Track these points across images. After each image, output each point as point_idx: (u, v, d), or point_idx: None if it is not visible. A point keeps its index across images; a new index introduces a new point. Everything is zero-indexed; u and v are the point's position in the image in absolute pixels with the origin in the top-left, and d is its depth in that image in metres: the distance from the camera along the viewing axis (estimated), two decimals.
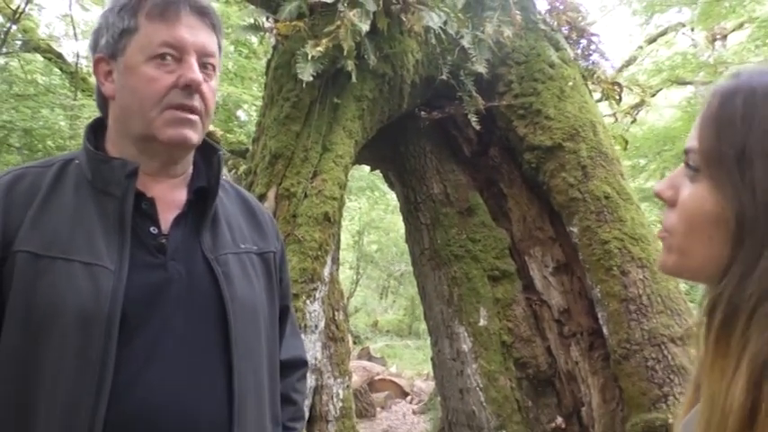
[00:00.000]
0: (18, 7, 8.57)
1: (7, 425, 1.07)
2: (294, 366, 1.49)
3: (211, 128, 9.00)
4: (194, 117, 1.21)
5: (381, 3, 3.50)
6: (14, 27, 8.63)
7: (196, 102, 1.21)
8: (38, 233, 1.12)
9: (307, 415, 3.47)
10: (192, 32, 1.21)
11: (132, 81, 1.20)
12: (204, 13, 1.24)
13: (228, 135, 8.93)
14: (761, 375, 0.62)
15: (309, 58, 3.32)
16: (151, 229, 1.21)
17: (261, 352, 1.28)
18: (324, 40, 3.32)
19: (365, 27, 3.38)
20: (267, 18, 3.85)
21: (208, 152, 1.33)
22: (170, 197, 1.26)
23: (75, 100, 8.75)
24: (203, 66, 1.23)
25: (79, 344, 1.07)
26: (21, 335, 1.07)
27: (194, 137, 1.22)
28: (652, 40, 12.80)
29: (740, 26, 11.74)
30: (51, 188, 1.19)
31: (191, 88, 1.19)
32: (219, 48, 1.29)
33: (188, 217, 1.27)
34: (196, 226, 1.26)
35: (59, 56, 9.15)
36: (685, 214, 0.74)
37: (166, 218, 1.24)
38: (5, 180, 1.19)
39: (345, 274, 19.74)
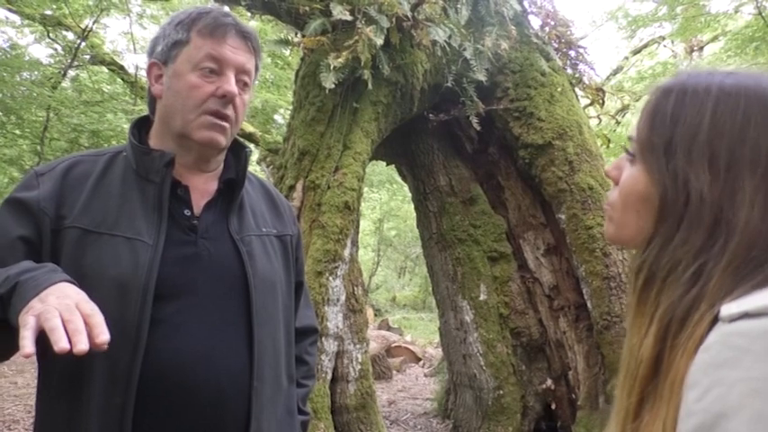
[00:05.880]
0: (86, 26, 8.67)
1: (64, 381, 1.10)
2: (306, 333, 1.51)
3: (252, 129, 9.06)
4: (226, 124, 1.23)
5: (394, 20, 3.49)
6: (83, 43, 8.73)
7: (229, 111, 1.22)
8: (88, 213, 1.15)
9: (330, 376, 3.50)
10: (234, 52, 1.22)
11: (178, 85, 1.21)
12: (247, 38, 1.25)
13: (266, 136, 8.94)
14: (666, 332, 0.64)
15: (332, 68, 3.33)
16: (185, 211, 1.23)
17: (278, 320, 1.29)
18: (344, 53, 3.32)
19: (380, 41, 3.38)
20: (296, 34, 3.87)
21: (237, 149, 1.35)
22: (203, 186, 1.28)
23: (134, 105, 8.84)
24: (239, 81, 1.24)
25: (119, 307, 1.08)
26: None
27: (223, 140, 1.24)
28: (636, 52, 12.63)
29: (715, 39, 11.55)
30: (102, 174, 1.21)
31: (227, 98, 1.21)
32: (256, 68, 1.31)
33: (218, 203, 1.28)
34: (224, 211, 1.28)
35: (121, 68, 9.26)
36: (623, 192, 0.75)
37: (199, 203, 1.25)
38: (63, 166, 1.22)
39: (368, 256, 19.78)
